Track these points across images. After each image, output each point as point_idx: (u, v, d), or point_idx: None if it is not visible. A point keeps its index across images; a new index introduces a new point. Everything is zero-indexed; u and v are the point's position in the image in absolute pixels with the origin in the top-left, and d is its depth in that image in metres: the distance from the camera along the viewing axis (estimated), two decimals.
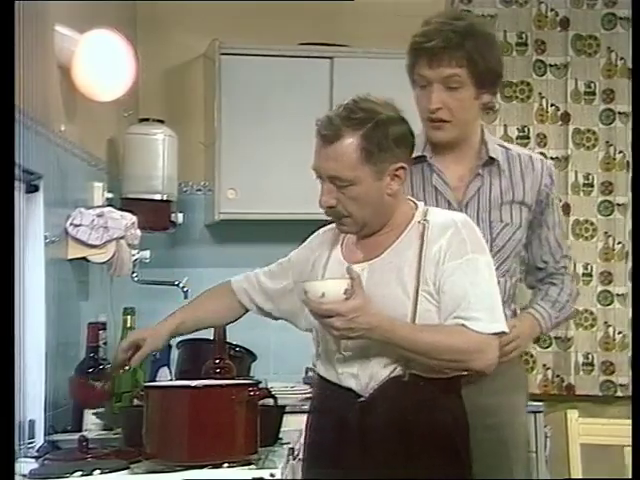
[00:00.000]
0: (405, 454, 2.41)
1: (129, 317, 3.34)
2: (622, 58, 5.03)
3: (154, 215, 4.23)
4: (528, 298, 3.00)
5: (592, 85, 5.05)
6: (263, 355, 4.15)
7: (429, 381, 2.43)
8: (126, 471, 2.38)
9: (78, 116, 3.40)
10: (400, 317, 2.39)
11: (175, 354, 3.90)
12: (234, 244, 4.82)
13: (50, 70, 3.09)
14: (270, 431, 2.65)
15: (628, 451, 2.97)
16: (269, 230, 4.64)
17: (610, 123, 5.03)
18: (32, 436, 2.77)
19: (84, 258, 3.33)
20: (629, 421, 2.69)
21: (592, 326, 5.00)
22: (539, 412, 4.24)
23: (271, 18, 4.81)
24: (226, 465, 2.34)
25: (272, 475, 2.31)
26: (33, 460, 2.54)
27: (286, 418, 2.79)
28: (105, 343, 3.23)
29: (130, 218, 3.46)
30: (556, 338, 4.94)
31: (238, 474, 2.32)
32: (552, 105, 5.04)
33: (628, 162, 4.99)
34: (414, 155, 2.73)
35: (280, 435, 2.75)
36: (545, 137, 5.02)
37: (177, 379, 3.70)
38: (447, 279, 2.41)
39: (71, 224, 3.26)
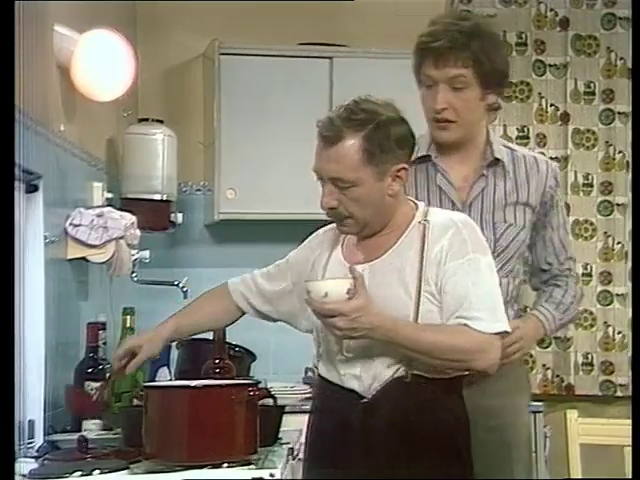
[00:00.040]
0: (408, 455, 2.41)
1: (128, 317, 3.35)
2: (622, 58, 5.03)
3: (153, 215, 4.23)
4: (532, 299, 3.00)
5: (592, 85, 5.05)
6: (263, 355, 4.15)
7: (431, 381, 2.43)
8: (126, 471, 2.37)
9: (77, 116, 3.40)
10: (402, 318, 2.39)
11: (175, 354, 3.90)
12: (233, 244, 4.82)
13: (49, 70, 3.09)
14: (270, 431, 2.65)
15: (628, 451, 2.97)
16: (268, 230, 4.64)
17: (610, 123, 5.04)
18: (32, 436, 2.77)
19: (84, 258, 3.33)
20: (629, 421, 2.69)
21: (592, 326, 5.00)
22: (539, 412, 4.24)
23: (271, 18, 4.81)
24: (226, 465, 2.34)
25: (272, 475, 2.30)
26: (33, 460, 2.54)
27: (286, 418, 2.79)
28: (105, 343, 3.23)
29: (130, 218, 3.46)
30: (556, 338, 4.93)
31: (238, 474, 2.32)
32: (552, 105, 5.04)
33: (628, 162, 4.99)
34: (419, 154, 2.75)
35: (280, 435, 2.75)
36: (545, 137, 5.03)
37: (177, 379, 3.69)
38: (449, 279, 2.41)
39: (71, 224, 3.26)
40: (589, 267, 5.00)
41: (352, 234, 2.53)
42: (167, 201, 4.32)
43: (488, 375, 2.49)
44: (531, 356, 4.91)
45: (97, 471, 2.34)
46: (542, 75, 5.04)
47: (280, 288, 2.70)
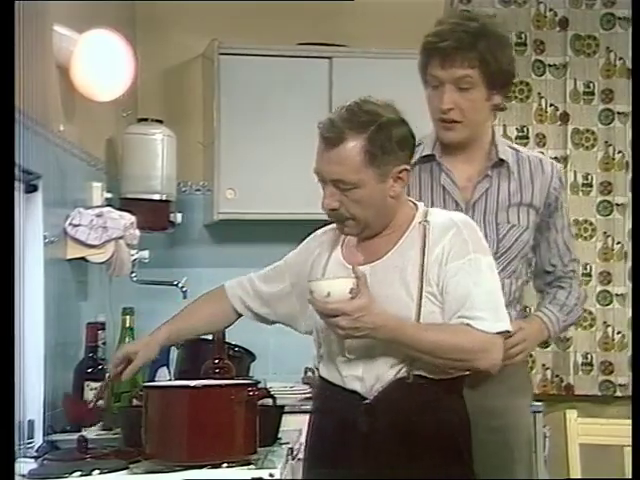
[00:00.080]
0: (410, 455, 2.41)
1: (128, 317, 3.35)
2: (621, 58, 5.03)
3: (153, 215, 4.23)
4: (533, 300, 2.99)
5: (591, 85, 5.05)
6: (262, 355, 4.15)
7: (433, 382, 2.43)
8: (125, 471, 2.37)
9: (77, 116, 3.40)
10: (404, 318, 2.38)
11: (174, 354, 3.90)
12: (233, 244, 4.82)
13: (49, 70, 3.09)
14: (269, 431, 2.65)
15: (627, 451, 2.97)
16: (268, 230, 4.64)
17: (609, 123, 5.04)
18: (31, 436, 2.77)
19: (83, 258, 3.33)
20: (628, 421, 2.69)
21: (591, 326, 5.01)
22: (538, 412, 4.23)
23: (270, 18, 4.81)
24: (225, 465, 2.34)
25: (271, 475, 2.31)
26: (32, 460, 2.54)
27: (285, 418, 2.79)
28: (104, 343, 3.23)
29: (129, 218, 3.46)
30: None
31: (237, 474, 2.32)
32: (551, 105, 5.04)
33: (627, 162, 4.99)
34: (424, 154, 2.75)
35: (279, 435, 2.75)
36: (544, 137, 5.03)
37: (176, 379, 3.69)
38: (450, 279, 2.41)
39: (70, 224, 3.26)
40: (588, 267, 5.00)
41: (353, 235, 2.53)
42: (166, 201, 4.32)
43: (490, 375, 2.49)
44: (531, 356, 4.89)
45: (97, 471, 2.34)
46: (541, 75, 5.04)
47: (278, 290, 2.69)
